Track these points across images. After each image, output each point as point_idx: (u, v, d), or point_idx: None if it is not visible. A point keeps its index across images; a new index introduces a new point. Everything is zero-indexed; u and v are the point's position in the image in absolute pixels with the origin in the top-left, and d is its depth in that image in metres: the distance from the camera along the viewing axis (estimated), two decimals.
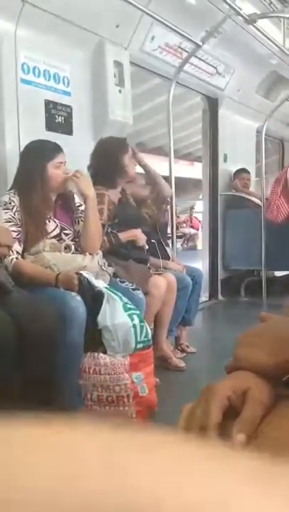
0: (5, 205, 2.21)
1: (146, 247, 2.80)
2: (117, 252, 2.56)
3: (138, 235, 2.71)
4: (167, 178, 3.79)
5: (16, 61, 2.66)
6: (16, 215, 2.21)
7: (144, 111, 5.96)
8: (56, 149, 2.31)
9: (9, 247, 2.08)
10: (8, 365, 1.72)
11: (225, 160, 5.01)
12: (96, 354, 2.05)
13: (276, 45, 4.18)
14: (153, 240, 2.99)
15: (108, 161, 2.67)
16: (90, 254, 2.31)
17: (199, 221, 12.70)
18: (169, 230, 4.76)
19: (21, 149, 2.51)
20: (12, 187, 2.33)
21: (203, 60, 4.10)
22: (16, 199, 2.23)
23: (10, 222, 2.19)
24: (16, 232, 2.17)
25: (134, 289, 2.35)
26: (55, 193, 2.35)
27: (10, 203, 2.21)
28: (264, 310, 3.75)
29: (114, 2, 3.00)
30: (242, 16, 3.51)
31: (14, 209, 2.21)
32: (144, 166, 2.98)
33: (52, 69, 2.90)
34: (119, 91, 3.26)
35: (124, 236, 2.61)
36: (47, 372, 1.94)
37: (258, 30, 3.78)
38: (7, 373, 1.73)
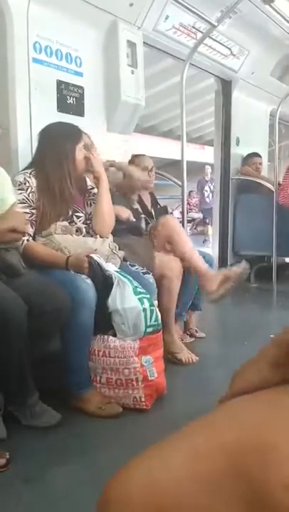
0: (19, 185, 2.17)
1: (133, 219, 2.78)
2: None
3: (119, 209, 2.68)
4: (178, 162, 3.75)
5: (28, 40, 2.61)
6: (31, 196, 2.17)
7: (154, 92, 5.89)
8: (81, 132, 2.31)
9: (23, 234, 2.05)
10: (20, 345, 1.73)
11: (237, 143, 4.94)
12: (106, 337, 2.05)
13: None
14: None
15: None
16: (100, 237, 2.30)
17: None
18: (178, 215, 4.71)
19: (32, 130, 2.48)
20: (28, 167, 2.28)
21: (217, 41, 4.02)
22: (31, 180, 2.19)
23: (24, 203, 2.15)
24: (29, 214, 2.15)
25: (144, 273, 2.34)
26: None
27: (25, 184, 2.17)
28: (274, 296, 3.75)
29: None
30: None
31: (29, 190, 2.17)
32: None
33: (64, 48, 2.85)
34: (132, 72, 3.21)
35: None
36: (57, 353, 1.95)
37: (275, 10, 3.69)
38: (18, 354, 1.74)
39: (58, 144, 2.25)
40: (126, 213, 2.73)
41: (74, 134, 2.28)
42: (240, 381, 0.65)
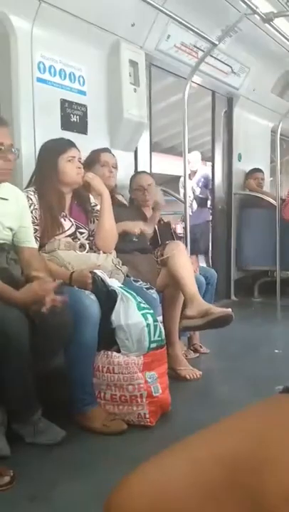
0: None
1: (148, 231, 2.78)
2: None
3: (130, 225, 2.68)
4: (180, 178, 3.79)
5: (32, 60, 2.66)
6: (34, 213, 2.21)
7: (157, 110, 5.94)
8: (67, 144, 2.34)
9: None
10: (23, 363, 1.73)
11: (239, 159, 4.98)
12: (110, 353, 2.05)
13: None
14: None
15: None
16: (104, 253, 2.32)
17: None
18: (180, 230, 4.74)
19: (36, 148, 2.52)
20: (31, 185, 2.34)
21: (218, 59, 4.08)
22: (34, 197, 2.24)
23: None
24: (33, 230, 2.18)
25: (147, 288, 2.35)
26: (70, 189, 2.35)
27: (28, 201, 2.21)
28: (278, 311, 3.73)
29: (129, 1, 3.00)
30: (259, 14, 3.48)
31: (32, 207, 2.21)
32: None
33: (67, 68, 2.90)
34: (134, 90, 3.26)
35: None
36: (61, 370, 1.95)
37: (275, 29, 3.75)
38: (21, 371, 1.74)
39: (43, 158, 2.35)
40: (137, 228, 2.71)
41: (58, 146, 2.34)
42: None
